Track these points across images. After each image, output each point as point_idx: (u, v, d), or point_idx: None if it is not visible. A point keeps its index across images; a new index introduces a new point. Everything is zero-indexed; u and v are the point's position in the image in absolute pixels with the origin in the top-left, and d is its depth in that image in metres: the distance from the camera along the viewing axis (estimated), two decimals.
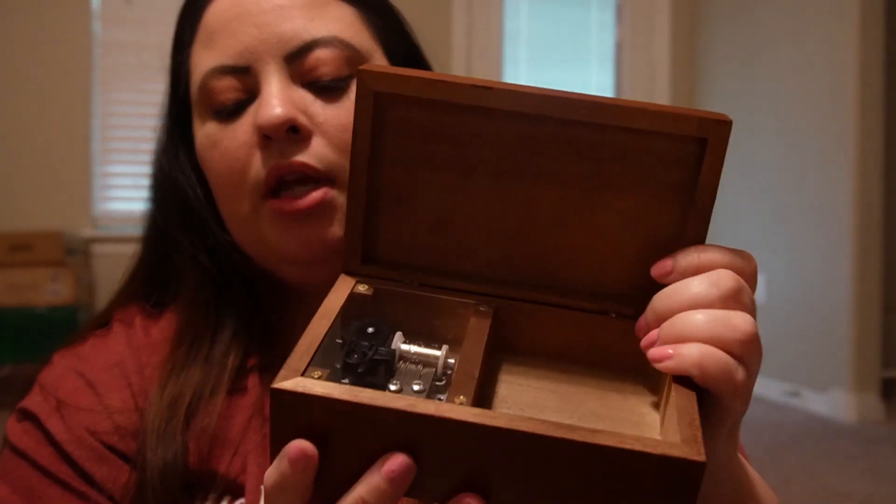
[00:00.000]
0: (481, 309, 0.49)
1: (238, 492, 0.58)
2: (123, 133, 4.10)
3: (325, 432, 0.38)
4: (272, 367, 0.63)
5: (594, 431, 0.37)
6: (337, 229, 0.60)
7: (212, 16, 0.62)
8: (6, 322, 3.52)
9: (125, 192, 4.07)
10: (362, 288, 0.49)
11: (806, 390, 3.75)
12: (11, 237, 3.66)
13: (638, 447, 0.37)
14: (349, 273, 0.50)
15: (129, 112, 4.08)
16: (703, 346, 0.42)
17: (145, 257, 0.69)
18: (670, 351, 0.43)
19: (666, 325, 0.44)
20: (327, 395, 0.38)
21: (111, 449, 0.59)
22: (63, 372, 0.63)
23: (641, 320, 0.47)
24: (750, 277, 0.45)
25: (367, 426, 0.38)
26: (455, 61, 4.33)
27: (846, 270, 3.55)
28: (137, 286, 0.69)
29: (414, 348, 0.47)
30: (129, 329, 0.65)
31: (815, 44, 3.79)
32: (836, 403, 3.62)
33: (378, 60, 0.63)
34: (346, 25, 0.62)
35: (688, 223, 0.46)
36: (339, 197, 0.60)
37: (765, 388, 3.80)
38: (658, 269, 0.46)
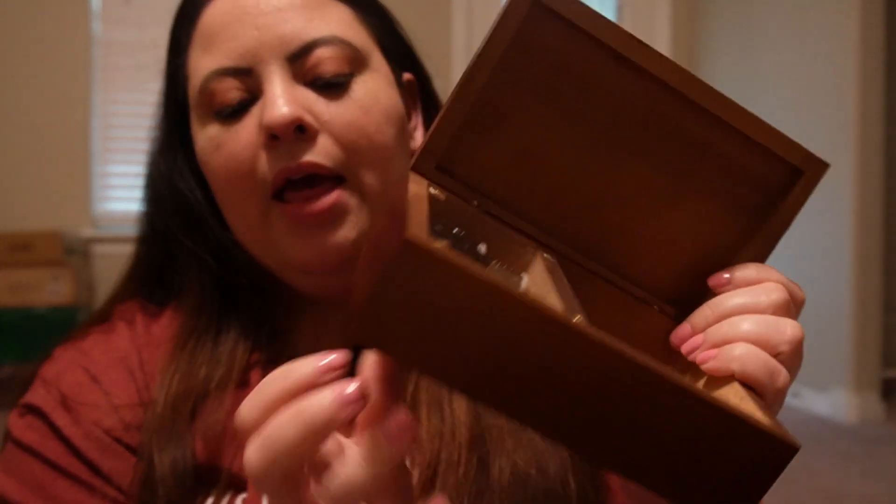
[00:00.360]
0: (545, 255, 0.46)
1: (241, 486, 0.58)
2: (123, 133, 4.10)
3: (429, 310, 0.33)
4: (276, 363, 0.63)
5: (706, 390, 0.37)
6: (350, 233, 0.59)
7: (209, 18, 0.62)
8: (6, 322, 3.52)
9: (125, 192, 4.07)
10: (436, 191, 0.44)
11: (806, 390, 3.75)
12: (11, 237, 3.66)
13: (746, 414, 0.36)
14: (419, 173, 0.45)
15: (129, 112, 4.08)
16: (747, 345, 0.42)
17: (143, 257, 0.69)
18: (714, 352, 0.43)
19: (712, 328, 0.44)
20: (470, 271, 0.33)
21: (119, 442, 0.59)
22: (66, 366, 0.62)
23: (685, 326, 0.46)
24: (799, 305, 0.46)
25: (486, 316, 0.33)
26: (455, 61, 4.33)
27: (846, 271, 3.55)
28: (136, 285, 0.68)
29: (498, 265, 0.43)
30: (130, 325, 0.65)
31: (815, 44, 3.79)
32: (836, 403, 3.62)
33: (376, 59, 0.63)
34: (344, 25, 0.62)
35: (750, 243, 0.47)
36: (351, 199, 0.59)
37: None
38: (715, 279, 0.47)
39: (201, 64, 0.61)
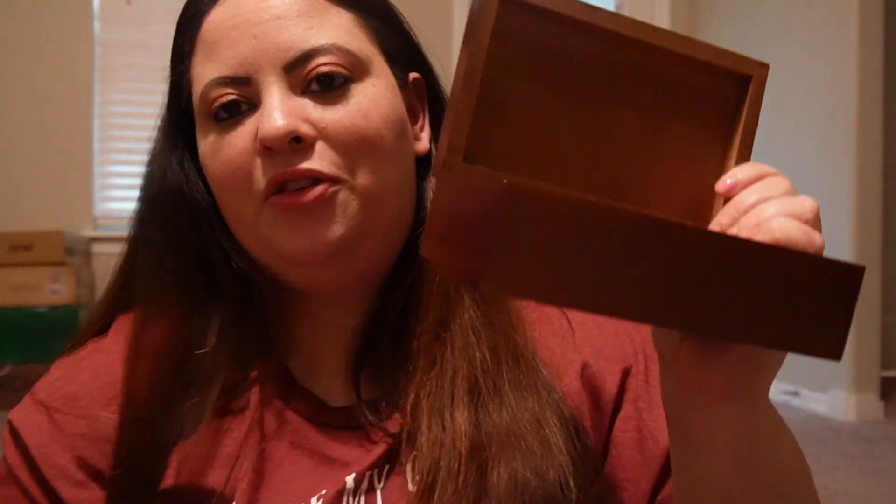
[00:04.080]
0: None
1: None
2: (123, 133, 4.10)
3: (544, 241, 0.38)
4: (273, 379, 0.63)
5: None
6: (338, 227, 0.59)
7: (210, 26, 0.62)
8: (6, 322, 3.52)
9: (125, 192, 4.07)
10: None
11: (805, 390, 3.75)
12: (12, 237, 3.66)
13: (810, 254, 0.43)
14: (449, 169, 0.50)
15: (129, 112, 4.09)
16: (783, 217, 0.46)
17: (131, 263, 0.69)
18: (755, 230, 0.46)
19: (742, 219, 0.47)
20: (570, 195, 0.39)
21: (95, 473, 0.60)
22: (56, 388, 0.63)
23: (713, 226, 0.49)
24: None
25: (590, 230, 0.39)
26: (455, 61, 4.32)
27: None
28: (125, 291, 0.68)
29: None
30: (128, 342, 0.65)
31: (814, 44, 3.80)
32: (835, 403, 3.62)
33: (378, 65, 0.63)
34: (344, 32, 0.62)
35: (733, 150, 0.54)
36: (343, 193, 0.59)
37: None
38: (722, 185, 0.50)
39: (203, 72, 0.62)
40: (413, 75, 0.68)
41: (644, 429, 0.63)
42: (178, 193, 0.65)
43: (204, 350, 0.62)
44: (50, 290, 3.61)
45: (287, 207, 0.59)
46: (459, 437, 0.58)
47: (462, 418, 0.59)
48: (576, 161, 0.51)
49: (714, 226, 0.49)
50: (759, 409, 0.49)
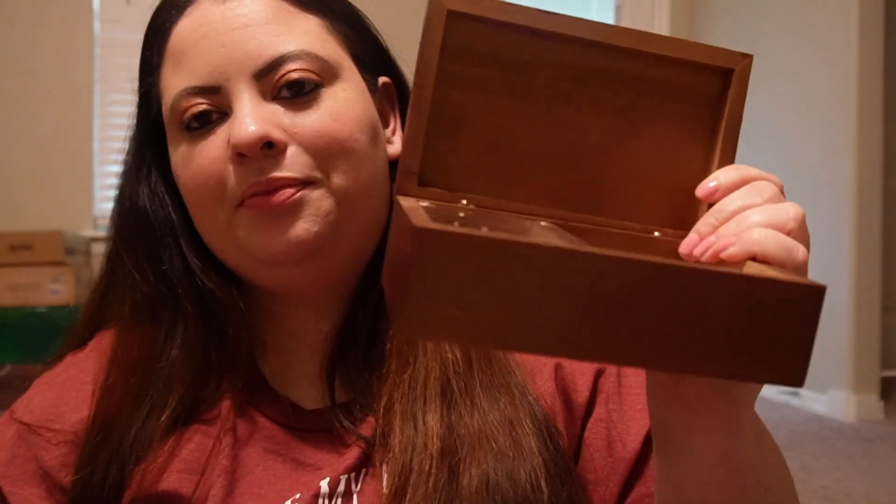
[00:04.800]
0: (542, 224, 0.49)
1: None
2: (123, 133, 4.10)
3: (463, 285, 0.36)
4: (245, 385, 0.64)
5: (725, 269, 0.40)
6: (313, 225, 0.59)
7: (178, 36, 0.62)
8: (6, 322, 3.52)
9: None
10: (426, 204, 0.47)
11: (805, 390, 3.75)
12: (11, 237, 3.66)
13: (770, 275, 0.40)
14: (404, 195, 0.48)
15: (128, 112, 4.08)
16: (763, 228, 0.44)
17: (108, 278, 0.69)
18: (733, 239, 0.44)
19: (722, 228, 0.46)
20: (484, 235, 0.37)
21: (59, 488, 0.61)
22: (33, 405, 0.64)
23: (691, 236, 0.47)
24: (781, 191, 0.48)
25: (508, 270, 0.36)
26: None
27: (845, 271, 3.56)
28: (104, 304, 0.69)
29: None
30: (102, 356, 0.65)
31: (814, 44, 3.80)
32: (835, 403, 3.62)
33: (347, 69, 0.63)
34: (313, 38, 0.62)
35: (716, 150, 0.50)
36: (317, 192, 0.60)
37: (764, 387, 3.80)
38: (703, 189, 0.48)
39: (172, 82, 0.62)
40: (383, 80, 0.68)
41: (613, 430, 0.63)
42: (144, 212, 0.66)
43: (163, 362, 0.62)
44: (50, 290, 3.60)
45: (260, 210, 0.59)
46: (431, 439, 0.58)
47: (434, 420, 0.59)
48: (541, 171, 0.49)
49: (693, 234, 0.47)
50: (743, 420, 0.49)
